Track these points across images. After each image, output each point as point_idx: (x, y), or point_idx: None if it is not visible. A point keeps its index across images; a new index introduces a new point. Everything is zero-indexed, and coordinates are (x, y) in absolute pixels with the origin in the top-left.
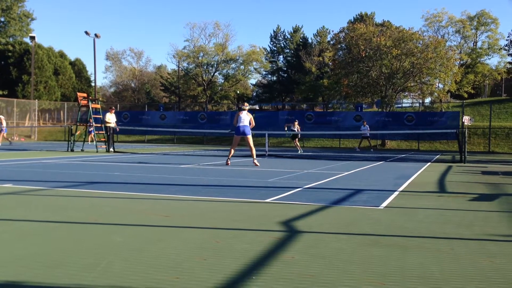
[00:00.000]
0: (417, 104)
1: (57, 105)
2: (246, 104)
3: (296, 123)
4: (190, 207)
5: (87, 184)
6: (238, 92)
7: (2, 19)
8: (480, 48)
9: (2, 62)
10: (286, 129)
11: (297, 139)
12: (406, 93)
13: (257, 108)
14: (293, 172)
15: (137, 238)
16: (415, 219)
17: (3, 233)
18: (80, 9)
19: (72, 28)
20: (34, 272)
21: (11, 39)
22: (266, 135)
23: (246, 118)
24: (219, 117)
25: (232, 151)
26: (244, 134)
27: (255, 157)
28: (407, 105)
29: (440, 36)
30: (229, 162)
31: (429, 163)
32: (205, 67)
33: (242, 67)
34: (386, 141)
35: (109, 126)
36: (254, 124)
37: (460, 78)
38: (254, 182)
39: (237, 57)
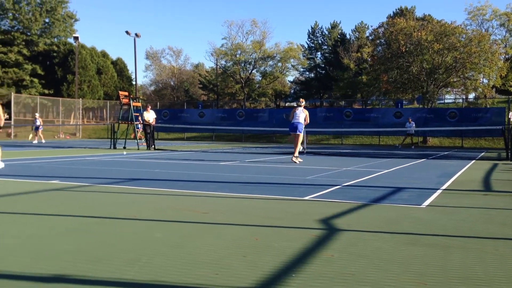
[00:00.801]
0: (460, 100)
1: (100, 103)
2: (302, 100)
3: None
4: (229, 204)
5: (129, 180)
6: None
7: (47, 20)
8: None
9: (48, 62)
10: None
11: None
12: (449, 88)
13: (295, 105)
14: (331, 170)
15: (177, 234)
16: (458, 218)
17: (50, 229)
18: (120, 9)
19: (114, 28)
20: (78, 266)
21: (55, 40)
22: (304, 133)
23: (301, 115)
24: (257, 115)
25: (297, 147)
26: (295, 130)
27: (296, 154)
28: (450, 101)
29: (484, 30)
30: (298, 160)
31: (473, 161)
32: (242, 64)
33: (279, 64)
34: (427, 138)
35: (149, 124)
36: (308, 121)
37: (505, 73)
38: (292, 180)
39: (275, 54)
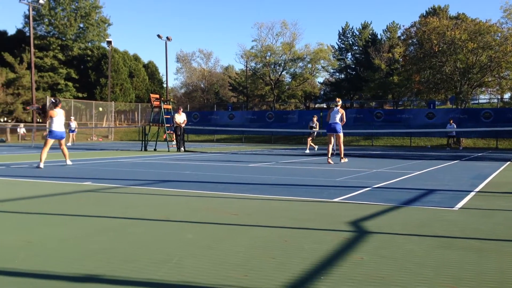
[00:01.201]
0: (495, 100)
1: (131, 106)
2: (338, 99)
3: (315, 118)
4: (258, 205)
5: (159, 182)
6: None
7: (81, 26)
8: None
9: (82, 66)
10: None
11: (311, 137)
12: (483, 88)
13: (325, 106)
14: (362, 171)
15: (207, 235)
16: (493, 221)
17: (83, 229)
18: (152, 13)
19: (145, 32)
20: (110, 266)
21: (89, 44)
22: (334, 134)
23: (337, 115)
24: (287, 116)
25: (330, 148)
26: (334, 131)
27: (342, 155)
28: (484, 101)
29: None
30: (330, 161)
31: (508, 162)
32: (272, 66)
33: (309, 65)
34: (461, 139)
35: (179, 126)
36: (345, 120)
37: None
38: (322, 181)
39: (305, 56)
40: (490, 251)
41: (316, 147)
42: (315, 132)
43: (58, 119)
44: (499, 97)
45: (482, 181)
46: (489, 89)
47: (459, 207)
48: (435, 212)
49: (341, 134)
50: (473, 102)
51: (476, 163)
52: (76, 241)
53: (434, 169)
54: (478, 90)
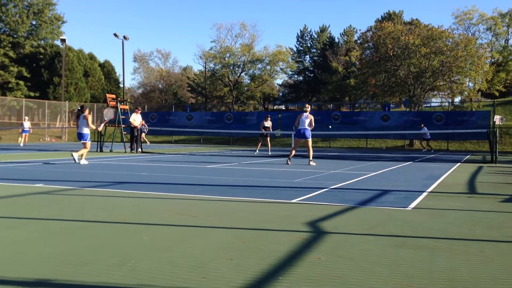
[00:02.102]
0: (447, 104)
1: (86, 106)
2: (307, 105)
3: (269, 118)
4: (216, 207)
5: (115, 184)
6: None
7: (34, 22)
8: (511, 46)
9: (34, 65)
10: (262, 129)
11: (268, 138)
12: (435, 92)
13: (283, 108)
14: (319, 173)
15: (164, 237)
16: (444, 220)
17: (34, 232)
18: (108, 12)
19: (101, 31)
20: (63, 270)
21: (42, 42)
22: (293, 136)
23: (307, 120)
24: (246, 118)
25: (293, 152)
26: (303, 137)
27: (311, 158)
28: (436, 104)
29: (470, 34)
30: (289, 162)
31: (459, 164)
32: (231, 67)
33: (268, 67)
34: (414, 141)
35: (135, 127)
36: (313, 125)
37: (491, 77)
38: (280, 183)
39: (263, 58)
40: (442, 250)
41: (269, 149)
42: (268, 134)
43: (78, 122)
44: (450, 100)
45: (433, 181)
46: (441, 93)
47: (412, 207)
48: (390, 212)
49: (310, 140)
50: (425, 105)
51: (428, 164)
52: (27, 244)
53: (389, 170)
54: (431, 93)
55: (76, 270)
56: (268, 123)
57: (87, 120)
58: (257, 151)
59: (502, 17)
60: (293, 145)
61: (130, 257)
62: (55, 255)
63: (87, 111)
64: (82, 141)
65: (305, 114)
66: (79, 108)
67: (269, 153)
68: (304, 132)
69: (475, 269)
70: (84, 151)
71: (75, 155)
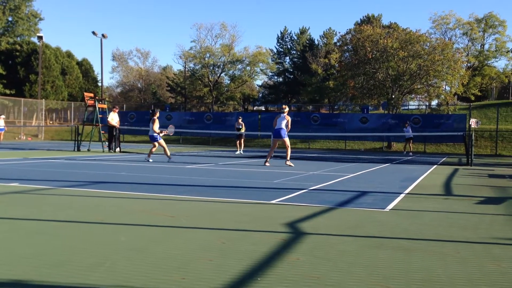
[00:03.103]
0: (424, 107)
1: (64, 104)
2: (285, 106)
3: (240, 119)
4: (195, 207)
5: (93, 183)
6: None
7: (10, 19)
8: (487, 51)
9: (10, 62)
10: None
11: (243, 138)
12: (413, 95)
13: (263, 109)
14: (298, 174)
15: (142, 238)
16: (421, 221)
17: (9, 232)
18: (87, 9)
19: (79, 28)
20: (38, 271)
21: (18, 39)
22: (272, 137)
23: (283, 121)
24: (225, 118)
25: (271, 153)
26: (279, 136)
27: (288, 158)
28: (414, 107)
29: (447, 39)
30: (267, 163)
31: (435, 166)
32: (211, 68)
33: (248, 68)
34: (392, 143)
35: (113, 126)
36: (290, 127)
37: (467, 81)
38: (259, 183)
39: (244, 58)
40: (418, 251)
41: (242, 148)
42: (243, 134)
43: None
44: (427, 103)
45: (411, 183)
46: (418, 96)
47: (390, 208)
48: (368, 213)
49: (287, 139)
50: (403, 108)
51: (406, 166)
52: (3, 245)
53: (367, 172)
54: (408, 96)
55: (52, 271)
56: (240, 124)
57: (153, 124)
58: (241, 152)
59: (478, 23)
60: (271, 146)
61: (107, 258)
62: (30, 255)
63: (156, 115)
64: (153, 142)
65: (282, 115)
66: (151, 111)
67: (241, 153)
68: (280, 132)
69: (451, 270)
70: (167, 151)
71: (167, 157)
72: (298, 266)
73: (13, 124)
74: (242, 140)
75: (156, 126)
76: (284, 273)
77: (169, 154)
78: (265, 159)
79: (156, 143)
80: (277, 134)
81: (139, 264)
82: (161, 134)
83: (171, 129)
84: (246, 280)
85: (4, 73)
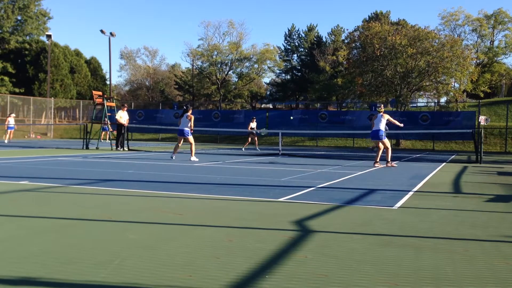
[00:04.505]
0: (432, 104)
1: (72, 103)
2: (380, 105)
3: (254, 119)
4: (203, 205)
5: (102, 181)
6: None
7: (19, 18)
8: (497, 47)
9: (19, 61)
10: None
11: (256, 136)
12: (421, 92)
13: (271, 107)
14: (306, 172)
15: (150, 236)
16: (429, 219)
17: (19, 230)
18: (95, 8)
19: (88, 27)
20: (48, 268)
21: (28, 38)
22: (280, 134)
23: (380, 122)
24: (233, 116)
25: (379, 154)
26: (376, 138)
27: (389, 159)
28: (422, 104)
29: (456, 35)
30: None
31: (444, 163)
32: (219, 65)
33: (256, 65)
34: (400, 140)
35: (121, 124)
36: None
37: (476, 78)
38: (267, 181)
39: (251, 56)
40: (427, 249)
41: (244, 147)
42: (255, 133)
43: (181, 120)
44: (436, 101)
45: (419, 181)
46: (427, 93)
47: (398, 206)
48: (376, 211)
49: (386, 140)
50: (412, 105)
51: (414, 164)
52: (13, 242)
53: (375, 170)
54: (417, 93)
55: (61, 268)
56: (254, 124)
57: (190, 120)
58: (244, 149)
59: (488, 19)
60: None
61: (116, 256)
62: (39, 253)
63: (190, 111)
64: (183, 137)
65: (379, 115)
66: (185, 107)
67: (258, 150)
68: (377, 133)
69: (460, 268)
70: (192, 148)
71: (192, 158)
72: (306, 264)
73: (23, 123)
74: (256, 138)
75: (193, 123)
76: (292, 271)
77: (194, 153)
78: (274, 157)
79: (189, 139)
80: (375, 135)
81: (147, 261)
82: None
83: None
84: (254, 278)
85: (13, 71)
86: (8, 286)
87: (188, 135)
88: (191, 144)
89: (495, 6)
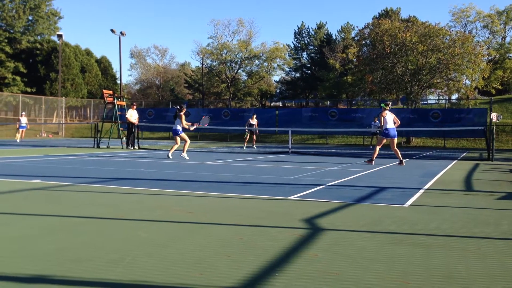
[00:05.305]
0: (443, 101)
1: (83, 102)
2: (181, 105)
3: (255, 116)
4: (213, 203)
5: (113, 180)
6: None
7: (30, 18)
8: (508, 44)
9: (31, 60)
10: (246, 129)
11: (254, 135)
12: (432, 89)
13: (280, 105)
14: (316, 170)
15: (161, 234)
16: (441, 217)
17: (32, 228)
18: (105, 8)
19: (98, 26)
20: (60, 266)
21: (39, 38)
22: (290, 132)
23: (392, 119)
24: (243, 114)
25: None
26: (394, 136)
27: (401, 158)
28: (433, 101)
29: (467, 32)
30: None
31: (455, 161)
32: (228, 64)
33: (265, 64)
34: (411, 138)
35: (131, 123)
36: (186, 124)
37: (488, 74)
38: (277, 179)
39: (261, 54)
40: (438, 247)
41: (245, 146)
42: (254, 131)
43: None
44: (447, 98)
45: (430, 179)
46: (438, 90)
47: (409, 204)
48: (386, 209)
49: (182, 135)
50: (422, 102)
51: (425, 161)
52: (25, 241)
53: (386, 167)
54: (427, 91)
55: (74, 266)
56: (254, 121)
57: (180, 119)
58: (245, 147)
59: (499, 15)
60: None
61: (127, 254)
62: (53, 251)
63: (183, 111)
64: (177, 136)
65: (389, 112)
66: (178, 107)
67: (255, 148)
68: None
69: (472, 266)
70: (185, 145)
71: (183, 155)
72: (316, 262)
73: (34, 122)
74: (254, 136)
75: (184, 121)
76: (302, 269)
77: (186, 151)
78: (284, 155)
79: (177, 138)
80: (395, 134)
81: (159, 259)
82: (193, 127)
83: (205, 120)
84: (264, 276)
85: (25, 71)
86: (23, 283)
87: (181, 133)
88: (185, 141)
89: (507, 2)
